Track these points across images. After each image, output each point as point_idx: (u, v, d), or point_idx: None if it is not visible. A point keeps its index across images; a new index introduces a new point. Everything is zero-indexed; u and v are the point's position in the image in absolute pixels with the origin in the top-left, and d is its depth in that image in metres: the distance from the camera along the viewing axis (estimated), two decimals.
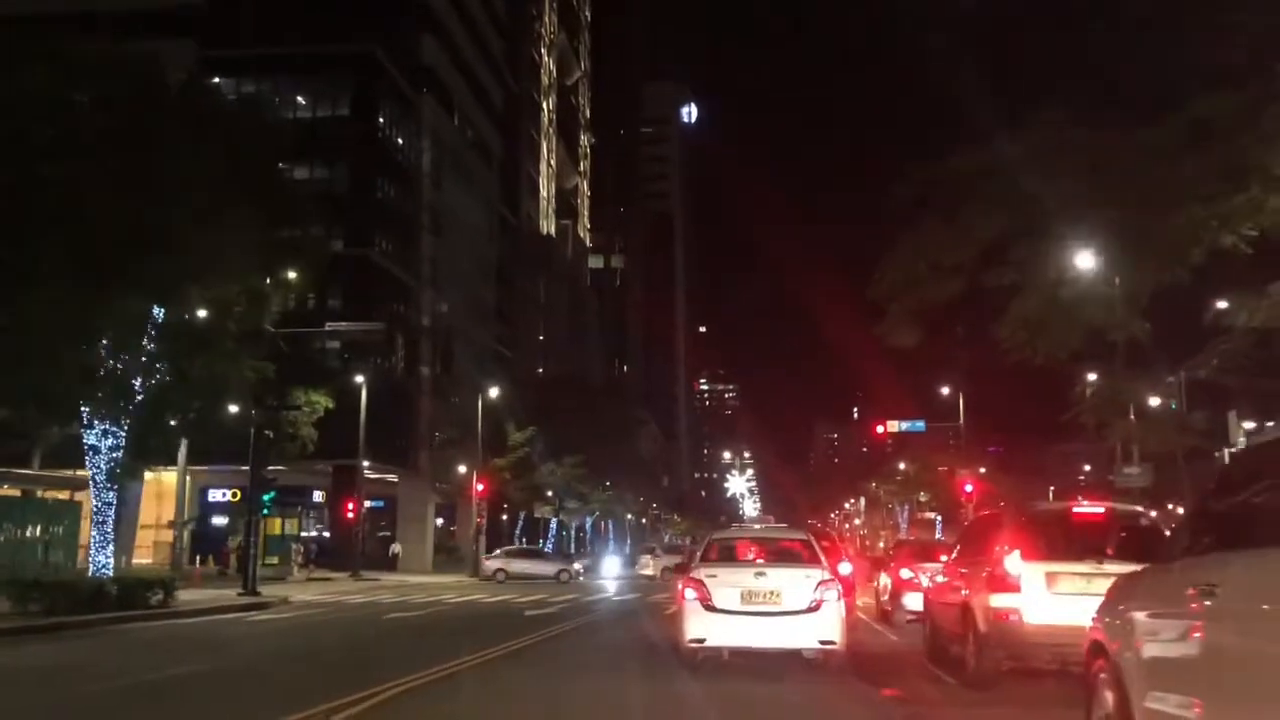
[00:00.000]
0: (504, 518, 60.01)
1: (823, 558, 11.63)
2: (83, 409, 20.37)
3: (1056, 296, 20.19)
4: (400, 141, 55.74)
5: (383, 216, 52.77)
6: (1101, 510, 10.00)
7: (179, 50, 39.88)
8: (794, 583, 10.81)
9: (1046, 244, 19.50)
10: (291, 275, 24.43)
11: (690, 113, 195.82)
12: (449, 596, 29.18)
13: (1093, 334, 21.39)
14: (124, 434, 20.64)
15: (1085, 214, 18.79)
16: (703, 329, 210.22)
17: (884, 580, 20.85)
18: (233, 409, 26.32)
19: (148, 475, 35.31)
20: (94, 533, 20.95)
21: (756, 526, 18.30)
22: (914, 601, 16.87)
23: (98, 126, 19.11)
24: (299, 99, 51.87)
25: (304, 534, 51.43)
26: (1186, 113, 15.06)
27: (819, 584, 10.82)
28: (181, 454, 32.32)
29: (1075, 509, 10.13)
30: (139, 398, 20.69)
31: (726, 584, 10.87)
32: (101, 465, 20.60)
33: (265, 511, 29.54)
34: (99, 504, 20.71)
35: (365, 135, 51.65)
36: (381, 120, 53.36)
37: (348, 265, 46.10)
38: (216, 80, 48.60)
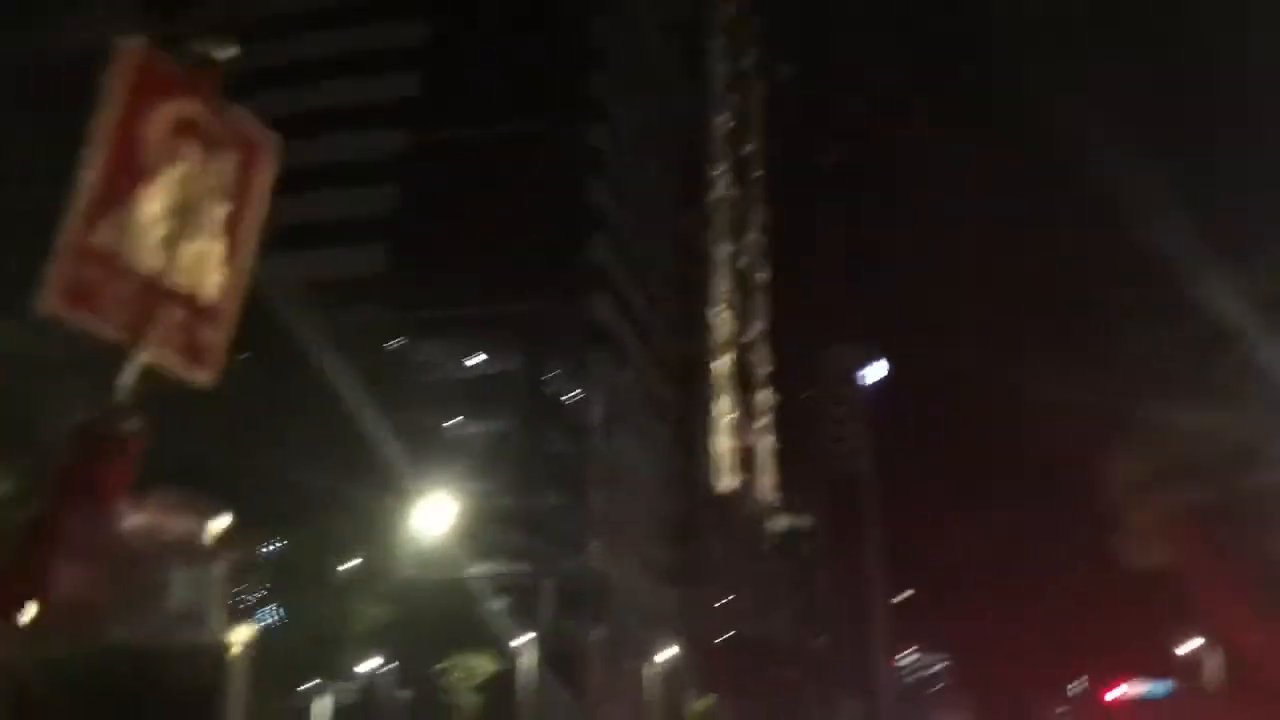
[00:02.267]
0: None
1: None
2: None
3: None
4: (571, 396, 55.13)
5: (553, 469, 51.44)
6: None
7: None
8: None
9: None
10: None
11: (877, 372, 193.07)
12: None
13: None
14: None
15: None
16: (906, 595, 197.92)
17: None
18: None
19: None
20: None
21: None
22: None
23: None
24: (472, 356, 52.46)
25: None
26: None
27: None
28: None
29: None
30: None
31: None
32: None
33: None
34: None
35: (535, 389, 51.26)
36: (552, 375, 53.05)
37: (518, 518, 44.51)
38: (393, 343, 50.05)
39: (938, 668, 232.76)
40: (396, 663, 24.04)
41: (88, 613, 2.06)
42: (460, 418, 50.16)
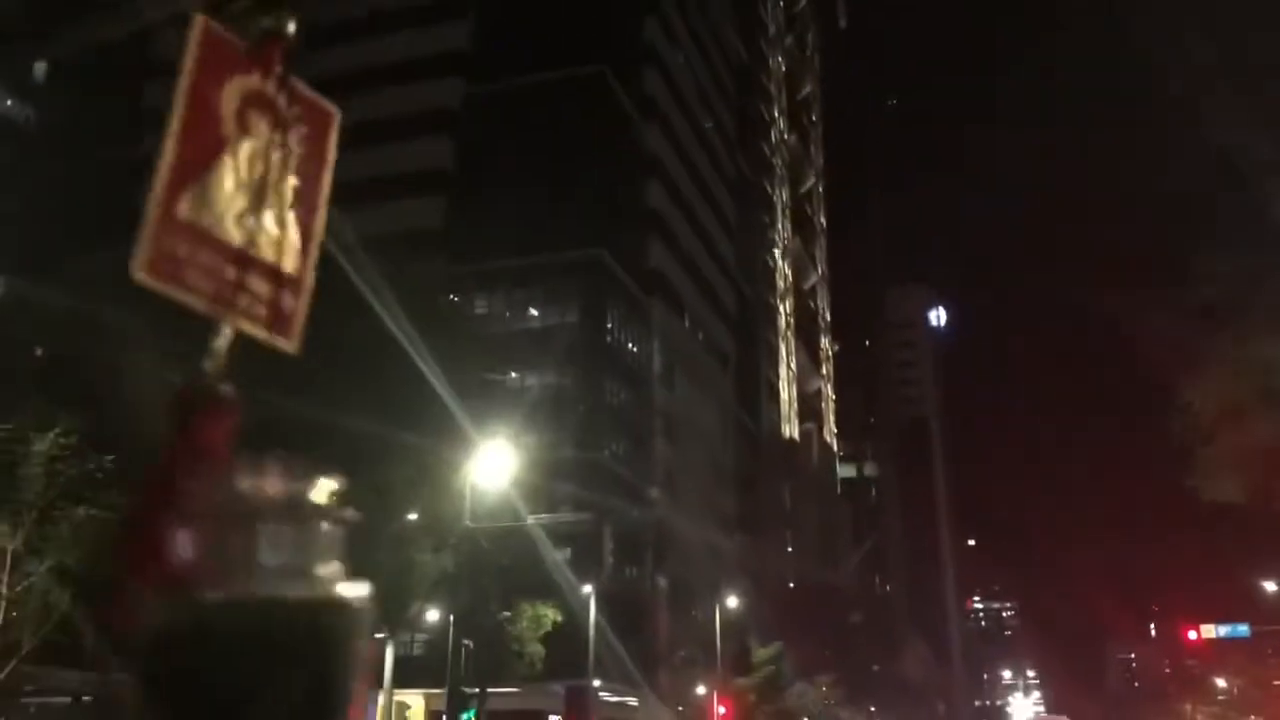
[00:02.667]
0: None
1: None
2: None
3: None
4: (630, 345, 54.82)
5: (613, 420, 51.32)
6: None
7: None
8: None
9: None
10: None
11: (940, 317, 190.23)
12: None
13: None
14: None
15: None
16: (972, 542, 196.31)
17: None
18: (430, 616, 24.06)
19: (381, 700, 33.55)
20: None
21: None
22: None
23: None
24: (529, 307, 52.33)
25: None
26: None
27: None
28: (388, 666, 29.88)
29: None
30: None
31: None
32: None
33: None
34: None
35: (594, 339, 51.00)
36: (610, 324, 52.71)
37: (579, 470, 44.46)
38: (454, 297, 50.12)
39: (1006, 614, 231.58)
40: (457, 614, 24.01)
41: (211, 574, 2.16)
42: (520, 369, 50.17)
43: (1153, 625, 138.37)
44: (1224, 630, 43.77)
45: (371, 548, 18.39)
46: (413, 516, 25.13)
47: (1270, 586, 42.26)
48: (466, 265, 50.22)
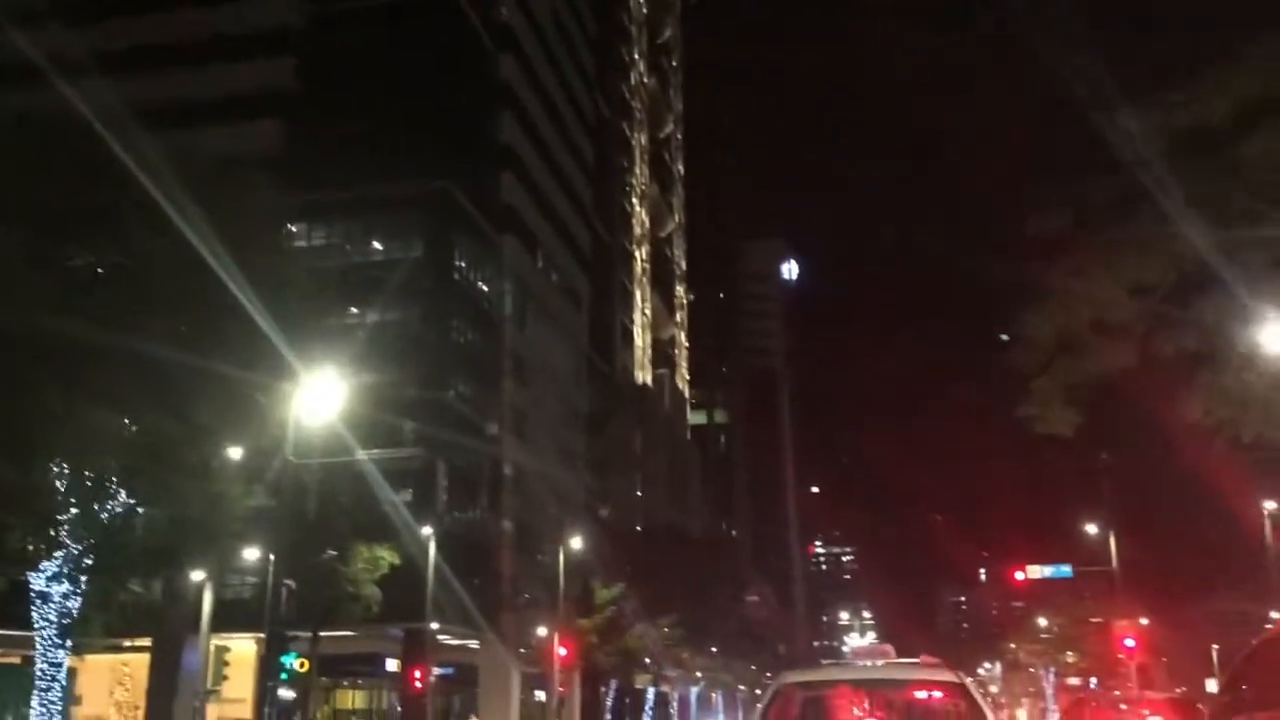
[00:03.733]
0: (605, 689, 54.38)
1: (991, 715, 6.51)
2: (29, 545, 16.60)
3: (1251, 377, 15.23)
4: (479, 283, 53.25)
5: (460, 359, 49.87)
6: None
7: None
8: None
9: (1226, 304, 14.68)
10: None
11: (791, 270, 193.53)
12: None
13: None
14: (82, 578, 16.73)
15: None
16: (815, 489, 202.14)
17: None
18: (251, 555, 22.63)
19: (216, 642, 31.88)
20: (36, 703, 16.73)
21: (867, 663, 8.47)
22: None
23: None
24: (373, 240, 50.26)
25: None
26: None
27: None
28: (205, 609, 28.28)
29: None
30: (101, 528, 16.85)
31: None
32: (52, 618, 16.58)
33: (284, 676, 25.10)
34: (45, 666, 16.59)
35: (441, 276, 49.26)
36: (458, 261, 51.01)
37: (423, 409, 43.04)
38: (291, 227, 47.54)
39: (846, 559, 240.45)
40: (278, 553, 22.62)
41: None
42: (361, 304, 48.17)
43: (983, 570, 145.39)
44: (1049, 571, 45.79)
45: (174, 477, 16.89)
46: (236, 452, 23.58)
47: (1091, 529, 44.21)
48: (307, 193, 47.67)
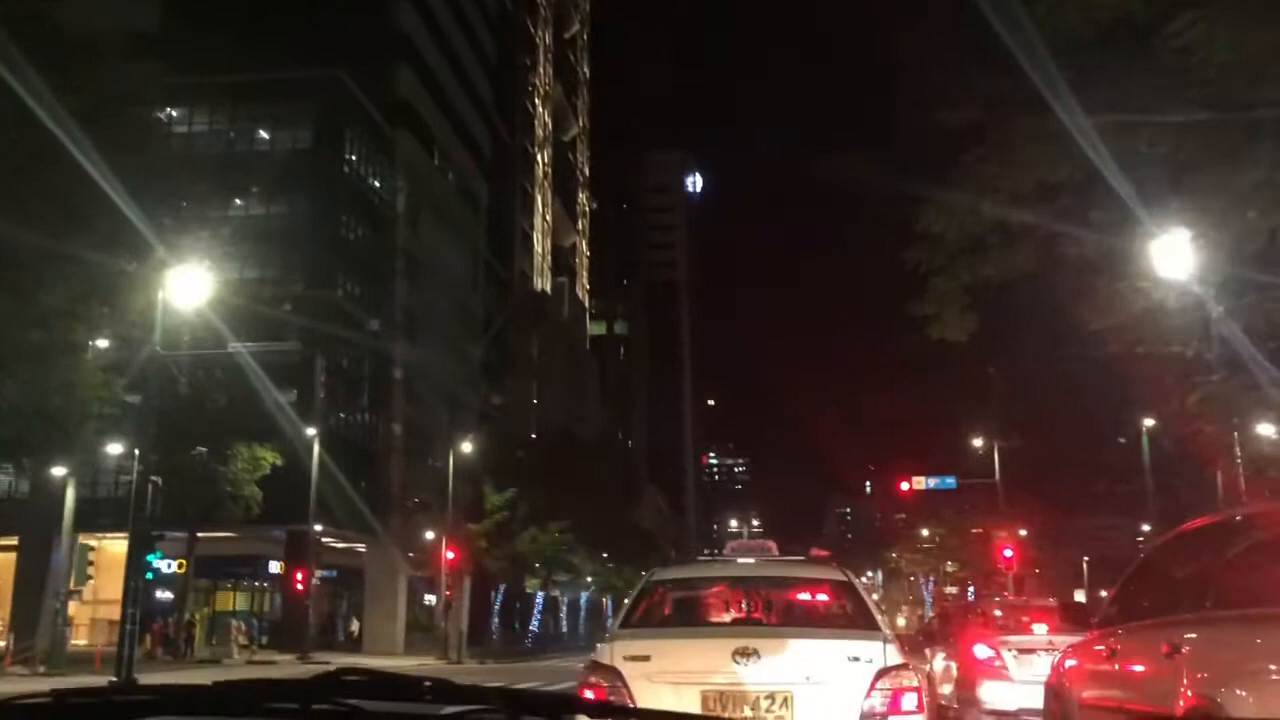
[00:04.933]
0: (493, 592, 54.24)
1: (880, 617, 6.03)
2: None
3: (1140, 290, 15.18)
4: (371, 179, 51.22)
5: (350, 256, 48.12)
6: None
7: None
8: (824, 670, 5.22)
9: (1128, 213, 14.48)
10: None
11: (695, 183, 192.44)
12: None
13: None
14: None
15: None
16: (711, 402, 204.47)
17: (939, 664, 15.02)
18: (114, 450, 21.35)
19: (86, 541, 30.48)
20: None
21: (741, 560, 7.42)
22: (999, 695, 11.83)
23: None
24: (258, 128, 47.76)
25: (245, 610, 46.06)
26: None
27: (883, 673, 5.18)
28: (68, 507, 26.84)
29: None
30: None
31: (670, 677, 5.32)
32: None
33: (150, 576, 24.04)
34: None
35: (330, 168, 47.15)
36: (349, 154, 48.89)
37: (308, 306, 41.38)
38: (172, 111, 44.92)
39: (739, 470, 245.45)
40: (144, 449, 21.36)
41: None
42: (244, 195, 45.96)
43: (868, 483, 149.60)
44: (933, 482, 46.84)
45: (15, 361, 15.55)
46: (103, 344, 22.18)
47: (977, 442, 45.22)
48: (187, 76, 44.85)
